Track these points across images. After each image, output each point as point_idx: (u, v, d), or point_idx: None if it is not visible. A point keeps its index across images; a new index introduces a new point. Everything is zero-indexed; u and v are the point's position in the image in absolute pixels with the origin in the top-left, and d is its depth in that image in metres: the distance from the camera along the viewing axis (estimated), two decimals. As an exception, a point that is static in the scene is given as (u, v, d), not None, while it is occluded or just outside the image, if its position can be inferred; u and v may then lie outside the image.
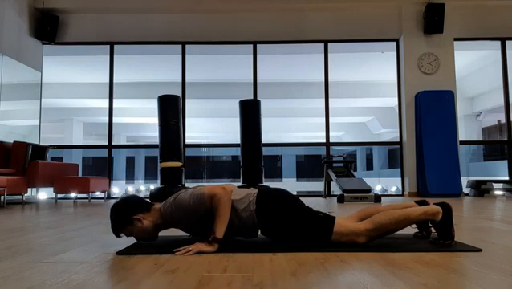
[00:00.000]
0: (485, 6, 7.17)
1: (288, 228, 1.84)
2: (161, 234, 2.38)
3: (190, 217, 1.84)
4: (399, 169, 7.29)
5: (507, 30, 7.23)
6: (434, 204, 1.87)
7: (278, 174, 17.94)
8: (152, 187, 6.89)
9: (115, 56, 7.47)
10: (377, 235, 1.81)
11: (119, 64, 7.76)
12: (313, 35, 7.32)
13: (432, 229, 1.98)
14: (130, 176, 17.40)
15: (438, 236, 1.84)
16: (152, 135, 12.93)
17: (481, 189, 6.84)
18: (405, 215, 1.82)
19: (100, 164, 9.14)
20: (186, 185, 6.57)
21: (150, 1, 7.16)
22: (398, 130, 7.42)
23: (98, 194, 7.02)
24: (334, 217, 1.84)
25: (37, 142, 7.03)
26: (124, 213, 1.86)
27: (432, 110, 6.85)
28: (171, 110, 6.16)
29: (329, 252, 1.72)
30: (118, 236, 1.90)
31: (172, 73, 7.77)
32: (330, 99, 7.40)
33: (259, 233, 1.93)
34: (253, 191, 1.93)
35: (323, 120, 7.40)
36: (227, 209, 1.78)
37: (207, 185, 1.87)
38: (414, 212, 1.84)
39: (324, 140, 7.38)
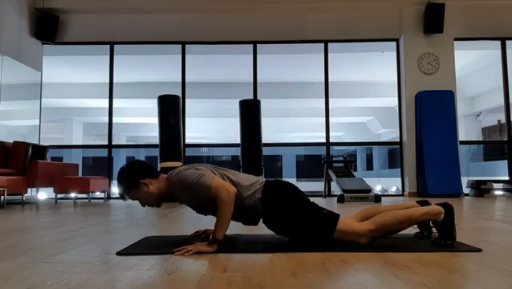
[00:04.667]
0: (485, 6, 7.16)
1: (291, 221, 1.84)
2: (161, 233, 2.38)
3: (189, 197, 1.88)
4: (399, 169, 7.29)
5: (507, 30, 7.23)
6: (436, 204, 1.87)
7: (278, 174, 17.93)
8: (152, 187, 6.87)
9: (115, 56, 7.47)
10: (379, 236, 1.81)
11: (119, 64, 7.76)
12: (313, 35, 7.31)
13: (433, 229, 1.98)
14: (130, 176, 17.36)
15: (439, 236, 1.84)
16: (152, 135, 12.90)
17: (481, 189, 6.83)
18: (407, 216, 1.82)
19: (100, 164, 9.13)
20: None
21: (150, 1, 7.16)
22: (398, 130, 7.42)
23: (98, 194, 7.01)
24: (338, 215, 1.84)
25: (37, 142, 7.03)
26: (132, 177, 1.90)
27: (432, 110, 6.85)
28: (171, 110, 6.15)
29: (329, 252, 1.72)
30: (124, 199, 1.95)
31: (172, 73, 7.77)
32: (330, 99, 7.40)
33: (262, 229, 1.94)
34: (262, 180, 1.95)
35: (323, 120, 7.40)
36: (228, 213, 1.77)
37: (211, 177, 1.83)
38: (416, 212, 1.84)
39: (324, 140, 7.38)
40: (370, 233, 1.79)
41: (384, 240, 1.89)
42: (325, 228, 1.81)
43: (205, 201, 1.83)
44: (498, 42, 7.39)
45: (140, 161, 1.99)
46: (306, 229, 1.83)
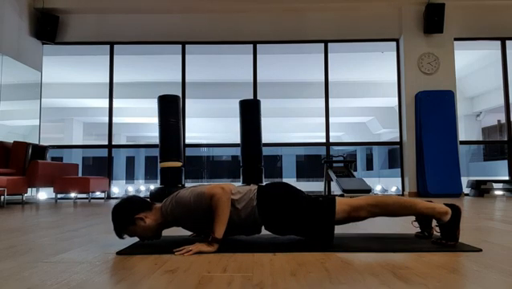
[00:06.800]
0: (485, 6, 7.17)
1: (292, 219, 1.84)
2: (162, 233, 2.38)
3: (191, 215, 1.84)
4: (399, 169, 7.29)
5: (507, 30, 7.23)
6: (444, 204, 1.86)
7: (278, 174, 17.92)
8: (152, 187, 6.89)
9: (115, 56, 7.47)
10: (378, 211, 1.82)
11: (119, 64, 7.76)
12: (313, 35, 7.31)
13: (434, 230, 1.98)
14: (130, 176, 17.38)
15: (442, 236, 1.83)
16: (152, 135, 12.93)
17: (481, 189, 6.83)
18: (412, 203, 1.83)
19: (100, 164, 9.13)
20: (186, 185, 6.57)
21: (150, 1, 7.16)
22: (398, 130, 7.42)
23: (98, 194, 7.02)
24: (334, 198, 1.85)
25: (37, 142, 7.03)
26: (126, 214, 1.85)
27: (432, 110, 6.85)
28: (171, 110, 6.16)
29: (329, 252, 1.72)
30: (121, 237, 1.89)
31: (172, 73, 7.77)
32: (330, 99, 7.40)
33: (263, 229, 1.93)
34: (254, 187, 1.94)
35: (323, 120, 7.40)
36: (226, 210, 1.77)
37: (207, 185, 1.87)
38: (421, 203, 1.84)
39: (324, 140, 7.38)
40: (369, 207, 1.80)
41: (383, 240, 1.89)
42: (326, 213, 1.81)
43: (205, 213, 1.81)
44: (498, 42, 7.39)
45: (132, 197, 1.96)
46: (308, 220, 1.83)
